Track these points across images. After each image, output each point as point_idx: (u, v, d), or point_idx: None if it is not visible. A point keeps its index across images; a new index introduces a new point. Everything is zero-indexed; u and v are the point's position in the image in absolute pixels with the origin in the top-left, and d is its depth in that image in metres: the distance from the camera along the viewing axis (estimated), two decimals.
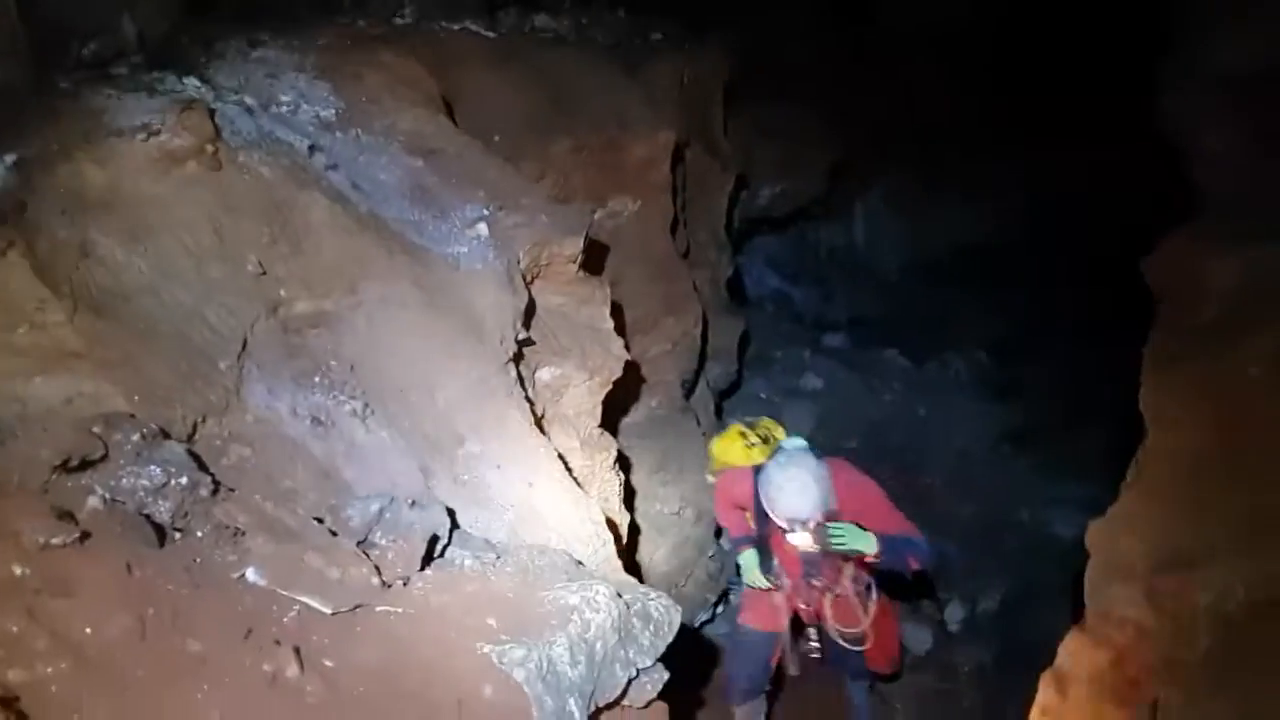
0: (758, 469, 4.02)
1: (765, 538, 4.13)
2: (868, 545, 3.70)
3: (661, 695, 2.64)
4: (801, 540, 3.75)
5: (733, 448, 4.50)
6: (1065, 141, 8.91)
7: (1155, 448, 3.12)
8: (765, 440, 4.47)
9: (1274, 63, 4.22)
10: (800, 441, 4.08)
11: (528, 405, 3.18)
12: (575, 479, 3.35)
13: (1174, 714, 2.55)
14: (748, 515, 4.28)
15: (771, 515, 3.82)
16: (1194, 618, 2.71)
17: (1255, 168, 4.00)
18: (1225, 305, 3.21)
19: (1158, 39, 5.03)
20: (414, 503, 2.46)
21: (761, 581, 4.18)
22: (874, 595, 4.20)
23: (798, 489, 3.69)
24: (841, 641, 4.21)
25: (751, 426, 4.59)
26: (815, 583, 4.09)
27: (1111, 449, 4.00)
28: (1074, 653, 3.07)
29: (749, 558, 4.24)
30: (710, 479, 4.78)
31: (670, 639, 2.55)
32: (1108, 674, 2.95)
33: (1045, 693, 3.24)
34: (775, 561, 4.18)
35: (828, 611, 4.18)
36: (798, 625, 4.41)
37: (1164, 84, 4.80)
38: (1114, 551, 3.01)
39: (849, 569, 4.09)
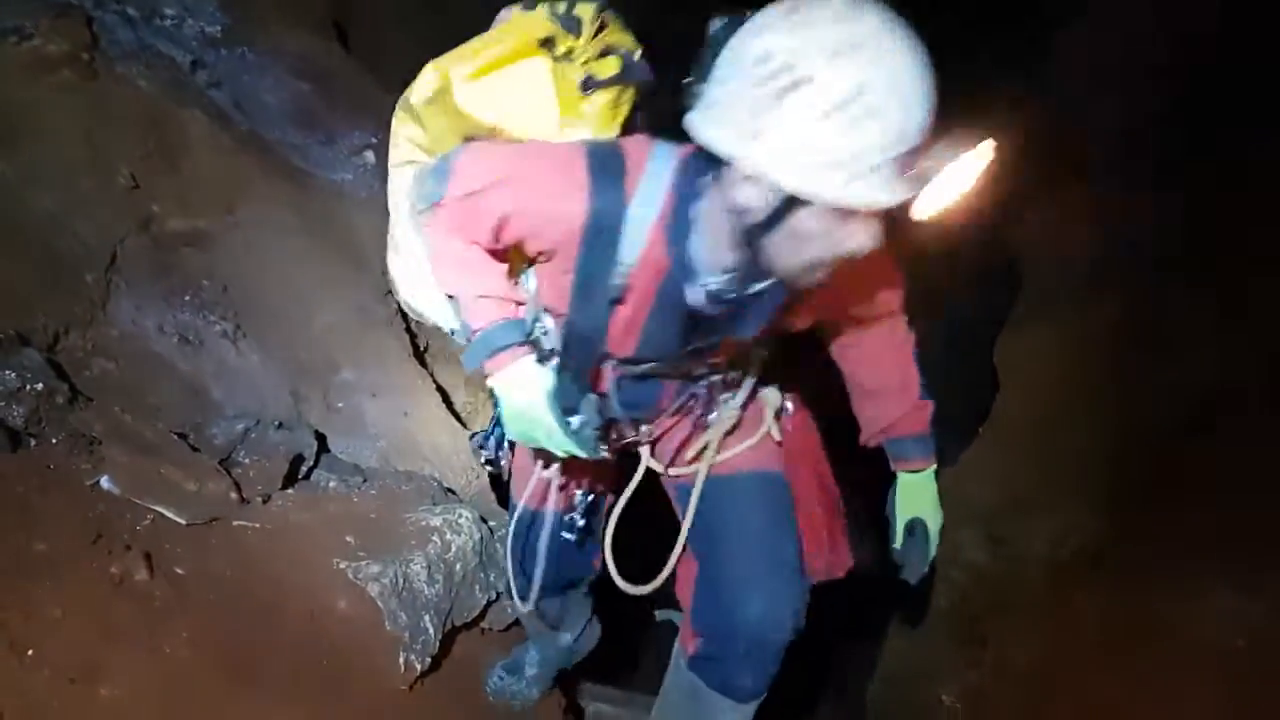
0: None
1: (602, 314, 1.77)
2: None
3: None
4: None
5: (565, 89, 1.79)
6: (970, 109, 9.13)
7: (1005, 402, 3.30)
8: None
9: (1167, 48, 4.40)
10: None
11: (408, 337, 3.19)
12: (457, 414, 3.38)
13: (999, 651, 2.73)
14: (525, 263, 1.86)
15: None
16: (1028, 563, 2.89)
17: (1127, 146, 4.19)
18: (1084, 272, 3.38)
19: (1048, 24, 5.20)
20: (280, 424, 2.48)
21: (591, 448, 1.80)
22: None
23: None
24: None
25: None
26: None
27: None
28: (921, 593, 3.25)
29: (547, 390, 1.75)
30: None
31: None
32: (949, 613, 3.14)
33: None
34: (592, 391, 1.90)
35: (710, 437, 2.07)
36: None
37: (1055, 63, 4.97)
38: (962, 497, 3.19)
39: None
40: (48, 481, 1.94)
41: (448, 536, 2.34)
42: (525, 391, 1.78)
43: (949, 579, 3.19)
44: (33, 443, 2.03)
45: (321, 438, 2.65)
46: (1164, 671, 2.30)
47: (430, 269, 1.85)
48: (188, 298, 2.65)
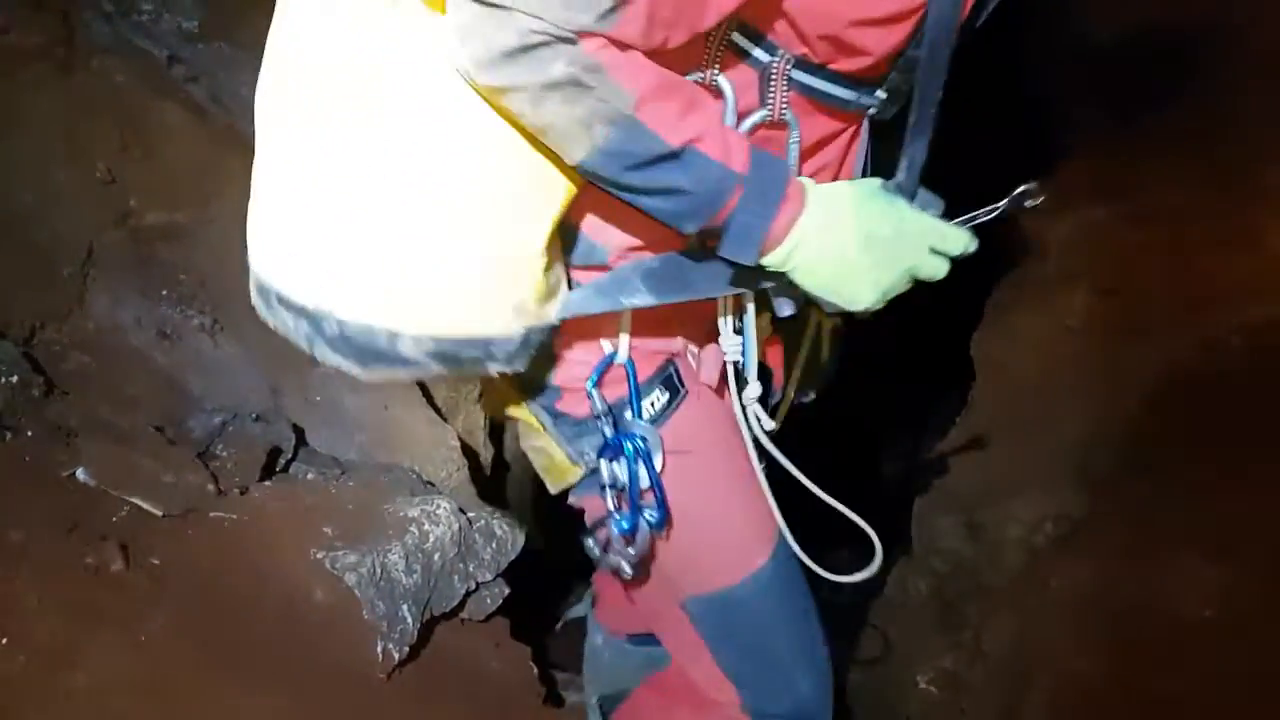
0: None
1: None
2: None
3: (508, 613, 2.73)
4: None
5: None
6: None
7: (981, 390, 3.33)
8: None
9: (1128, 38, 4.43)
10: None
11: None
12: (437, 408, 3.39)
13: (976, 635, 2.76)
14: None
15: None
16: (1006, 548, 2.92)
17: (1104, 134, 4.22)
18: (1058, 262, 3.41)
19: (1024, 10, 5.21)
20: (258, 417, 2.49)
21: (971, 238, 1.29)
22: None
23: None
24: None
25: None
26: None
27: None
28: (899, 582, 3.28)
29: (884, 188, 1.28)
30: None
31: (513, 556, 2.63)
32: (927, 599, 3.17)
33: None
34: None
35: None
36: None
37: (1029, 54, 4.99)
38: (940, 485, 3.21)
39: None
40: (23, 472, 1.95)
41: (426, 527, 2.35)
42: (864, 211, 1.20)
43: (927, 566, 3.22)
44: (8, 435, 2.04)
45: (300, 431, 2.66)
46: (1139, 648, 2.32)
47: (607, 132, 1.10)
48: (165, 291, 2.65)
